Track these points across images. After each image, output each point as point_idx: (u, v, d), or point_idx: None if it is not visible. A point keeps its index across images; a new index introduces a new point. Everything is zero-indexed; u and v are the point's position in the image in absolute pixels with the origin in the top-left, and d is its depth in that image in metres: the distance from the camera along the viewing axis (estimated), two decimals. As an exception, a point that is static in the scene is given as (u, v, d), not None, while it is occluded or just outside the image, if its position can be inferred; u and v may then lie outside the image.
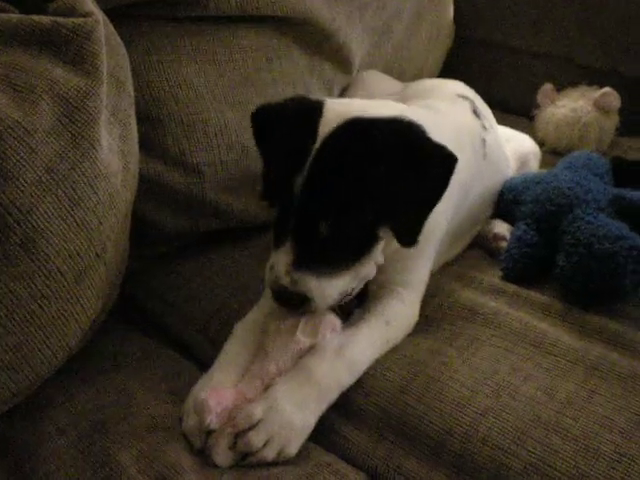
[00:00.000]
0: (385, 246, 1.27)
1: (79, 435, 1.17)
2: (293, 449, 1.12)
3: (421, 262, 1.37)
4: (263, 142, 1.31)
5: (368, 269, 1.24)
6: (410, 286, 1.35)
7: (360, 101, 1.34)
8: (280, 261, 1.17)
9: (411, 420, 1.16)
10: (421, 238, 1.21)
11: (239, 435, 1.09)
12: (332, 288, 1.19)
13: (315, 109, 1.21)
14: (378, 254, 1.25)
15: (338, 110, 1.21)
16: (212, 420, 1.10)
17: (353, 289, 1.24)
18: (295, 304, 1.19)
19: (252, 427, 1.09)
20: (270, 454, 1.09)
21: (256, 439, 1.08)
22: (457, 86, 1.80)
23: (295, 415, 1.12)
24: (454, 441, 1.12)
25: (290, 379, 1.15)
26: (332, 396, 1.17)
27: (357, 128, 1.18)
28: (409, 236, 1.21)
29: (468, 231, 1.62)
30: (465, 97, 1.70)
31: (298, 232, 1.16)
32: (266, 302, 1.30)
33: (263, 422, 1.09)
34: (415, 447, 1.14)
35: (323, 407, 1.16)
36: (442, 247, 1.46)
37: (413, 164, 1.17)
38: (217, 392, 1.14)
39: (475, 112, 1.65)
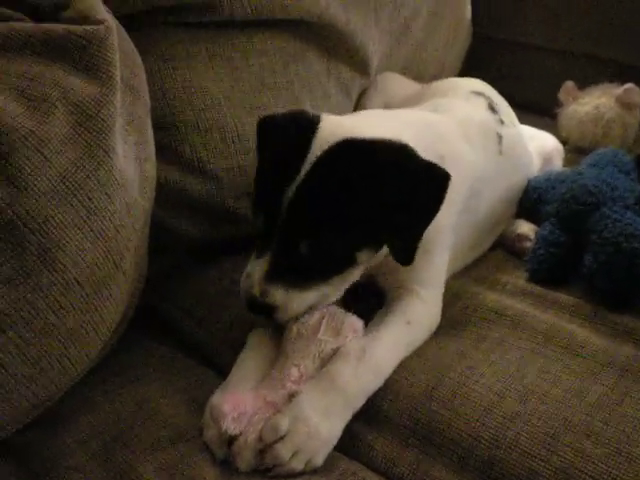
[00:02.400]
0: None
1: (100, 447, 1.16)
2: (320, 459, 1.10)
3: (434, 257, 1.34)
4: (262, 152, 1.31)
5: (344, 284, 1.24)
6: (428, 284, 1.33)
7: (356, 119, 1.34)
8: (255, 271, 1.18)
9: (437, 426, 1.14)
10: (426, 234, 1.20)
11: (266, 448, 1.07)
12: (299, 301, 1.19)
13: (310, 126, 1.20)
14: (356, 275, 1.24)
15: (331, 129, 1.20)
16: (228, 425, 1.08)
17: (329, 297, 1.23)
18: (262, 313, 1.20)
19: (278, 439, 1.07)
20: (298, 466, 1.07)
21: (284, 452, 1.06)
22: (473, 83, 1.80)
23: (322, 424, 1.10)
24: (482, 447, 1.09)
25: (314, 387, 1.13)
26: (358, 402, 1.15)
27: (347, 151, 1.17)
28: (406, 255, 1.20)
29: (490, 231, 1.60)
30: (480, 94, 1.69)
31: (278, 247, 1.16)
32: None
33: (289, 434, 1.07)
34: (442, 454, 1.11)
35: (349, 414, 1.14)
36: (462, 247, 1.45)
37: (403, 187, 1.16)
38: (233, 397, 1.13)
39: (491, 108, 1.64)
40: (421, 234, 1.18)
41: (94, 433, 1.19)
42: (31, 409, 1.11)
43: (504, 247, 1.62)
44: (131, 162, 1.21)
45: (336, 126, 1.22)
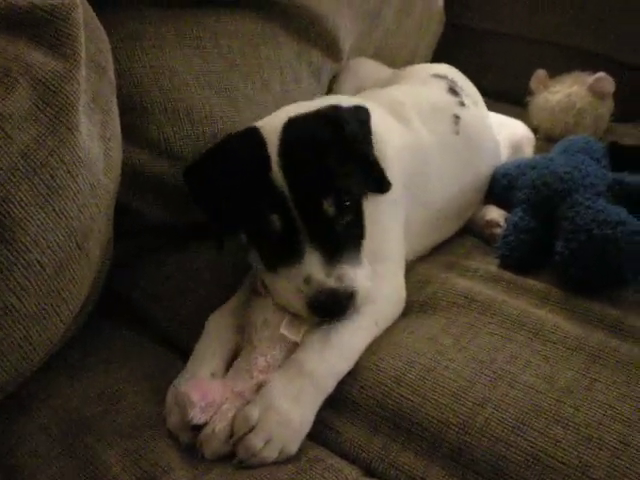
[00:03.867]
0: None
1: (62, 433, 1.14)
2: (294, 447, 1.09)
3: (381, 229, 1.34)
4: (212, 194, 1.28)
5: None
6: (384, 260, 1.33)
7: (281, 110, 1.37)
8: (314, 267, 1.15)
9: (406, 412, 1.12)
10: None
11: (238, 441, 1.06)
12: (364, 276, 1.20)
13: (251, 131, 1.26)
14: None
15: (272, 123, 1.26)
16: (195, 414, 1.07)
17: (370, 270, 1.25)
18: (342, 307, 1.17)
19: (250, 430, 1.06)
20: (271, 454, 1.06)
21: (255, 441, 1.05)
22: (438, 68, 1.83)
23: (292, 411, 1.09)
24: (451, 433, 1.08)
25: (282, 375, 1.12)
26: (327, 386, 1.14)
27: (299, 122, 1.24)
28: (380, 182, 1.30)
29: (453, 215, 1.59)
30: (442, 77, 1.73)
31: (310, 228, 1.16)
32: (242, 294, 1.32)
33: (260, 423, 1.06)
34: (411, 440, 1.10)
35: (320, 399, 1.13)
36: (420, 225, 1.46)
37: (348, 127, 1.24)
38: (200, 386, 1.11)
39: (452, 90, 1.68)
40: (375, 156, 1.29)
41: (56, 419, 1.17)
42: (-9, 394, 1.09)
43: (474, 233, 1.61)
44: (95, 141, 1.18)
45: (273, 118, 1.29)
